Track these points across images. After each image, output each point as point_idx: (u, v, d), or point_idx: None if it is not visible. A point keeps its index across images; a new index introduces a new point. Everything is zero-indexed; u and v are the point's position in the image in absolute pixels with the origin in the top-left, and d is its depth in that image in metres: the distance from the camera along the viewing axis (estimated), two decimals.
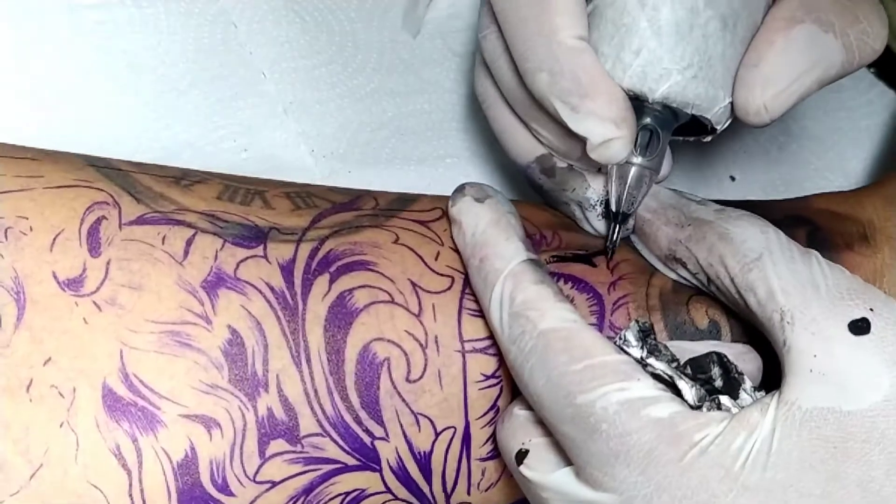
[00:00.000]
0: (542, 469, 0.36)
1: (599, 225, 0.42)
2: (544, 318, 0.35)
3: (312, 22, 0.53)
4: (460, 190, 0.40)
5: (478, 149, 0.54)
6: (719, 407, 0.35)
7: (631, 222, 0.42)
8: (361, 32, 0.54)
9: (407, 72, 0.54)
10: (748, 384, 0.36)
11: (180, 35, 0.51)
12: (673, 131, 0.41)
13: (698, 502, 0.32)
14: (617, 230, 0.41)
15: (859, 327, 0.34)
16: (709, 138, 0.42)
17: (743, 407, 0.34)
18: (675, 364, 0.36)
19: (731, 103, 0.39)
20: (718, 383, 0.36)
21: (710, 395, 0.35)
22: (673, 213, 0.40)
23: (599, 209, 0.42)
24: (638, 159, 0.40)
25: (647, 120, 0.39)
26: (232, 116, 0.51)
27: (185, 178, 0.39)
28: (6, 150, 0.38)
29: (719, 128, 0.40)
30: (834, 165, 0.58)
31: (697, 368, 0.36)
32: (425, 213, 0.41)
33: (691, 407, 0.34)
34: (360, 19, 0.54)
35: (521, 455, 0.36)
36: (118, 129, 0.49)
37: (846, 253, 0.43)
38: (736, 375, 0.36)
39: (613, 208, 0.41)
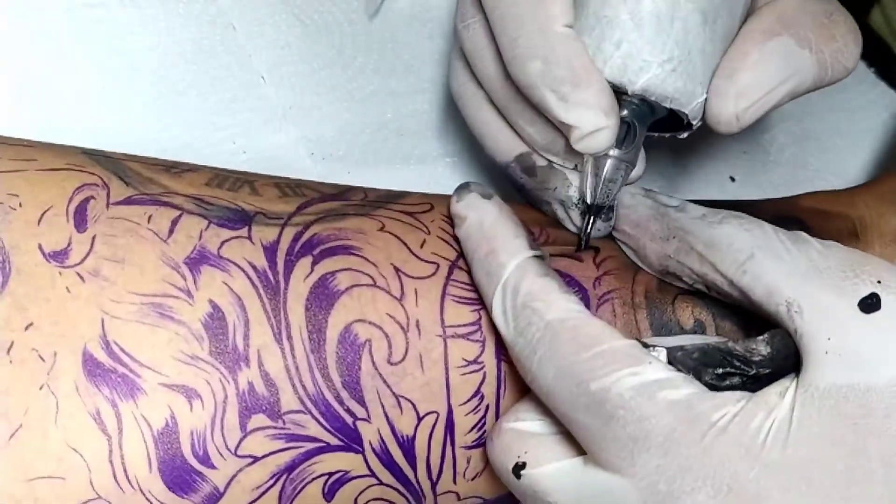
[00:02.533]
0: (545, 465, 0.35)
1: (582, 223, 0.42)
2: (550, 309, 0.35)
3: (312, 25, 0.54)
4: (465, 187, 0.40)
5: (478, 147, 0.53)
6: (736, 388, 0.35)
7: (611, 220, 0.42)
8: (361, 34, 0.54)
9: (407, 72, 0.54)
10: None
11: (179, 36, 0.51)
12: (649, 127, 0.41)
13: (721, 481, 0.32)
14: (591, 222, 0.41)
15: (869, 304, 0.33)
16: (684, 134, 0.41)
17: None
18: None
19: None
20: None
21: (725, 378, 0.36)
22: (656, 226, 0.40)
23: (582, 206, 0.42)
24: (615, 152, 0.40)
25: (625, 112, 0.39)
26: (231, 119, 0.52)
27: (175, 167, 0.40)
28: (2, 138, 0.39)
29: (696, 123, 0.40)
30: (834, 166, 0.58)
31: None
32: (413, 206, 0.41)
33: (708, 388, 0.34)
34: (360, 21, 0.54)
35: (519, 467, 0.36)
36: (116, 130, 0.50)
37: None
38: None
39: (589, 200, 0.41)
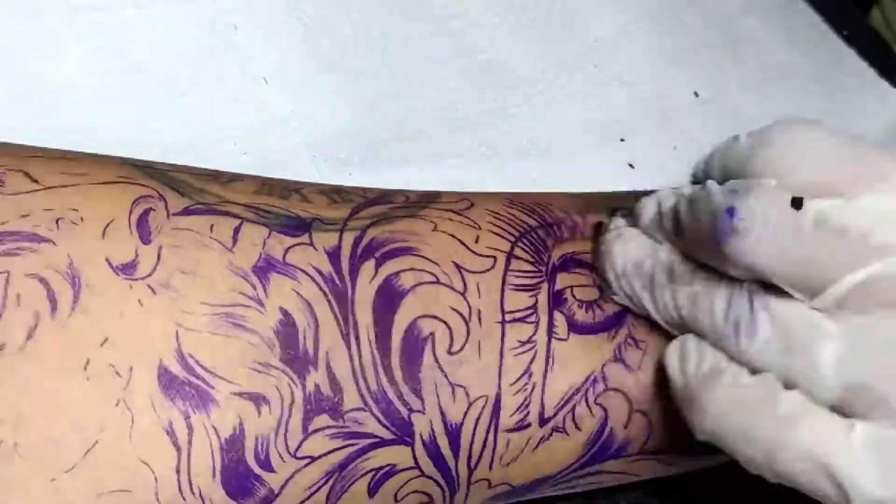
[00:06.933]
0: None
1: None
2: None
3: (314, 26, 0.54)
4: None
5: (480, 148, 0.55)
6: None
7: None
8: (363, 36, 0.54)
9: (410, 73, 0.55)
10: None
11: (180, 37, 0.51)
12: None
13: None
14: None
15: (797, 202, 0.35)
16: None
17: None
18: None
19: None
20: None
21: None
22: None
23: None
24: None
25: None
26: (232, 120, 0.52)
27: (221, 177, 0.41)
28: (43, 151, 0.39)
29: None
30: None
31: None
32: (456, 205, 0.42)
33: None
34: (363, 22, 0.54)
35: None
36: (118, 131, 0.50)
37: None
38: None
39: None
